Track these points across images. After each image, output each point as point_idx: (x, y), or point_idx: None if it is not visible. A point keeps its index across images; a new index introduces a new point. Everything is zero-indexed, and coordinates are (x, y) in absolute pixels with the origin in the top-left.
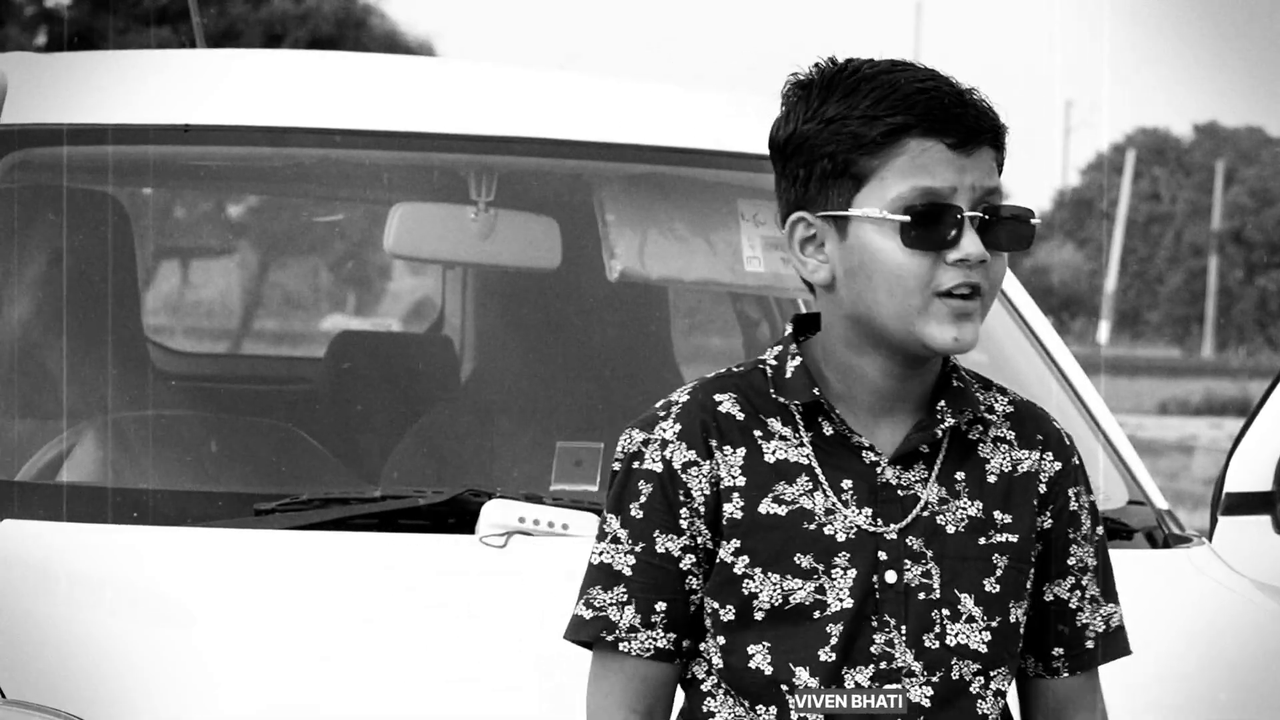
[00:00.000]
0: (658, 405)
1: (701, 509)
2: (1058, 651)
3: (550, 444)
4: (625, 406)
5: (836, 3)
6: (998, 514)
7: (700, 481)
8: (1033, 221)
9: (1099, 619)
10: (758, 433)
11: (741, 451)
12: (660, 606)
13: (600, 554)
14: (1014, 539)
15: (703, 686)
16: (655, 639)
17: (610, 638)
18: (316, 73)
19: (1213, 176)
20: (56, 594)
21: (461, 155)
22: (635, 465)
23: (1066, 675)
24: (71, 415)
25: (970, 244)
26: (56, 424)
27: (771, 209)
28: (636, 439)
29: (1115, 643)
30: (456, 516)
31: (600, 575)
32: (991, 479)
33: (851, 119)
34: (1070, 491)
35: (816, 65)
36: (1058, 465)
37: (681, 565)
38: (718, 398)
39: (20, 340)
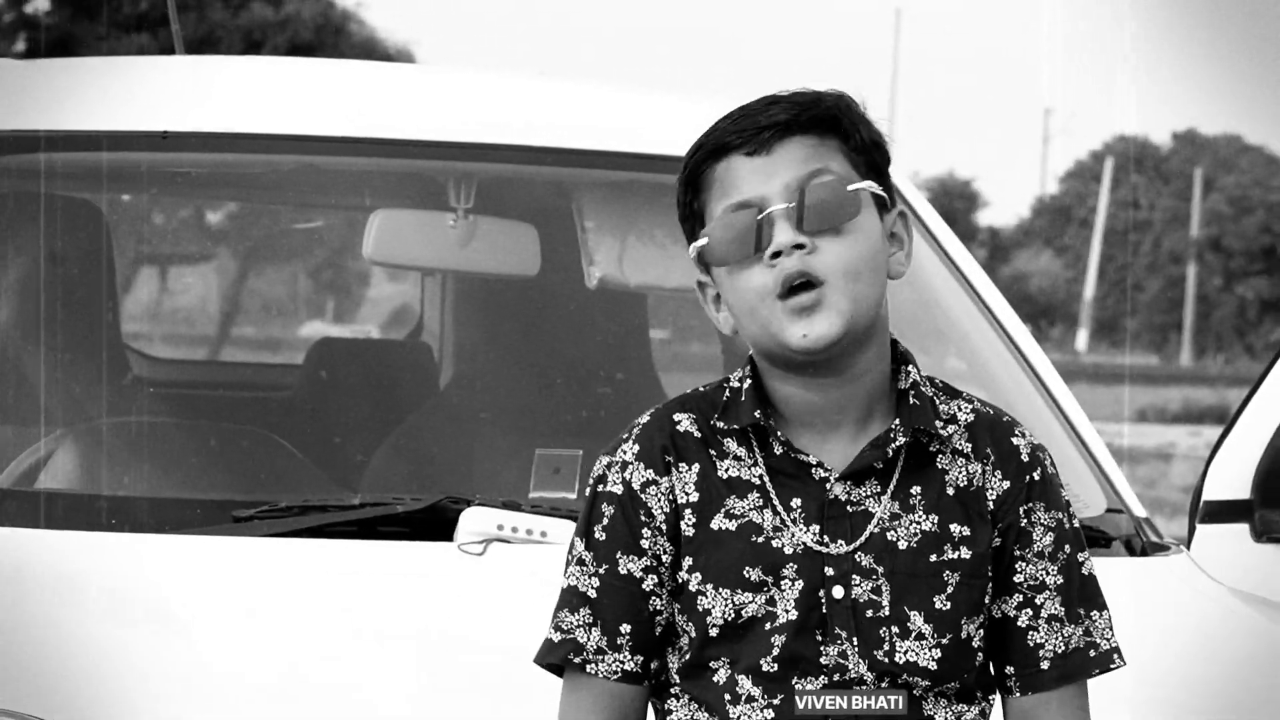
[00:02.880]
0: (625, 430)
1: (664, 526)
2: (1009, 670)
3: (529, 451)
4: (604, 414)
5: (817, 8)
6: (954, 527)
7: (660, 500)
8: (850, 188)
9: (1058, 639)
10: (713, 451)
11: (696, 468)
12: (625, 629)
13: (569, 577)
14: (968, 555)
15: (671, 689)
16: (622, 661)
17: (578, 660)
18: (295, 79)
19: (1191, 184)
20: (35, 601)
21: (440, 162)
22: (600, 489)
23: (1019, 695)
24: (50, 422)
25: (779, 232)
26: (35, 430)
27: None
28: (602, 463)
29: (1073, 664)
30: (435, 524)
31: (568, 598)
32: (950, 492)
33: (687, 164)
34: (1021, 509)
35: None
36: (1005, 484)
37: (644, 586)
38: (677, 417)
39: None
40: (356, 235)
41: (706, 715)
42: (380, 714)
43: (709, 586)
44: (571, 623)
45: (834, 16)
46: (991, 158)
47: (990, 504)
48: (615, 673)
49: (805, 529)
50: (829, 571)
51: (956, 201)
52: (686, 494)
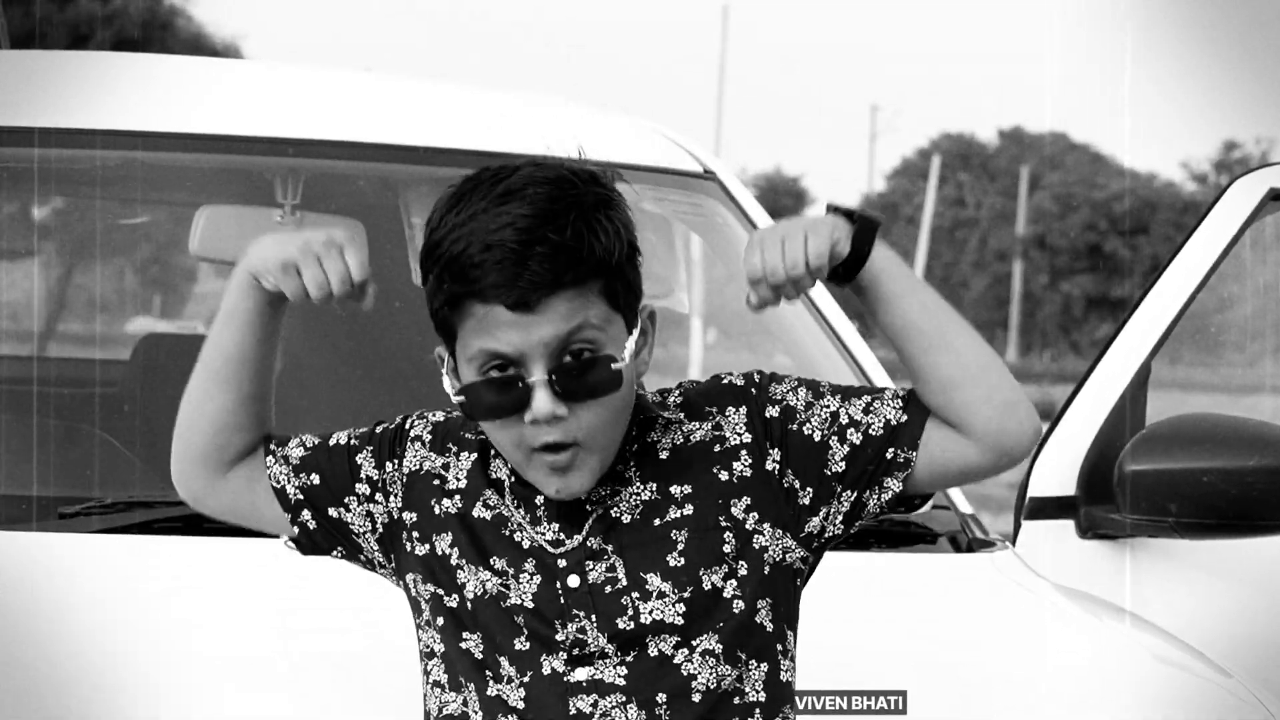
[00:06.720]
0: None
1: (397, 478)
2: (894, 463)
3: None
4: (429, 409)
5: (645, 5)
6: (674, 488)
7: (414, 457)
8: (614, 365)
9: (878, 417)
10: (492, 451)
11: (473, 458)
12: (314, 479)
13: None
14: (690, 510)
15: (430, 664)
16: (289, 477)
17: (273, 445)
18: (122, 74)
19: (1017, 182)
20: None
21: (267, 158)
22: (398, 419)
23: (913, 472)
24: None
25: (539, 404)
26: None
27: None
28: (412, 415)
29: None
30: None
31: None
32: (663, 455)
33: (433, 276)
34: (767, 411)
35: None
36: (741, 410)
37: (357, 487)
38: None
39: None
40: (183, 231)
41: (461, 686)
42: (208, 709)
43: (464, 563)
44: (300, 440)
45: (661, 13)
46: (819, 154)
47: (742, 438)
48: (277, 482)
49: (548, 526)
50: (561, 564)
51: (784, 198)
52: (458, 480)
